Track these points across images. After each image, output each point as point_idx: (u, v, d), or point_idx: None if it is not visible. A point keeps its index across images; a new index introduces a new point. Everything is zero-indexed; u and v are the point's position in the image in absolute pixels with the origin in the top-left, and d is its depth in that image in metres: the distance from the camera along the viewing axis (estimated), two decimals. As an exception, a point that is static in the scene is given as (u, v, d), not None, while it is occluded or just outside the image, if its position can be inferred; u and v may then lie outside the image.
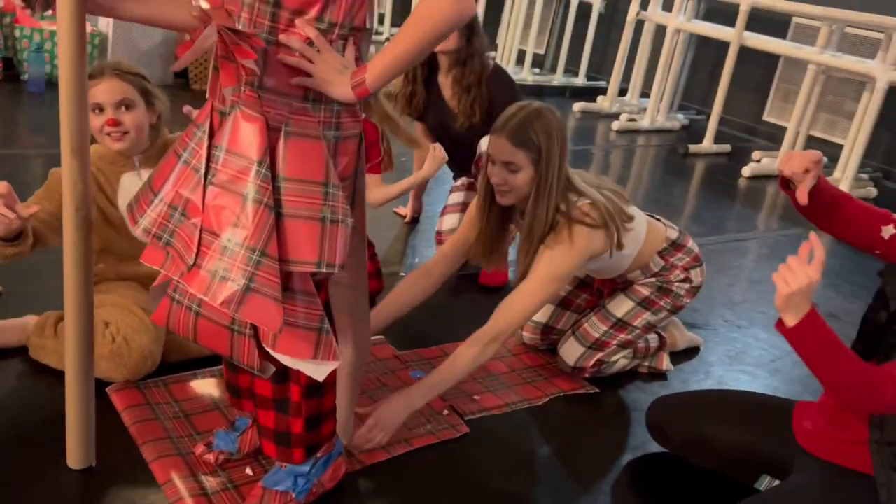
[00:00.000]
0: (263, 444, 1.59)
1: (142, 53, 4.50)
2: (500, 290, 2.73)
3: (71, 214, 1.48)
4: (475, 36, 2.80)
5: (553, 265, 1.98)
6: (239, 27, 1.30)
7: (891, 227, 1.64)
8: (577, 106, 6.10)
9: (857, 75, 4.95)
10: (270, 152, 1.31)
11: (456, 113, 2.88)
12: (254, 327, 1.35)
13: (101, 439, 1.67)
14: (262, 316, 1.30)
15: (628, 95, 6.35)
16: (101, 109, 1.88)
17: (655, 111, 5.96)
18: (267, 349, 1.37)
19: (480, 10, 6.80)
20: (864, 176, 5.12)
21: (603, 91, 6.47)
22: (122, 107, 1.89)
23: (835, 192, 1.68)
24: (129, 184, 1.97)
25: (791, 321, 1.46)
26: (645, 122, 5.91)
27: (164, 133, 2.04)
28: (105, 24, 4.50)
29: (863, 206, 1.69)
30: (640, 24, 6.07)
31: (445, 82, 2.91)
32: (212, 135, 1.36)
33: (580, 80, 6.95)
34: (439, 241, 2.91)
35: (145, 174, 1.96)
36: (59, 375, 1.63)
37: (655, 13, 5.93)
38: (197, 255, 1.33)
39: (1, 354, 1.97)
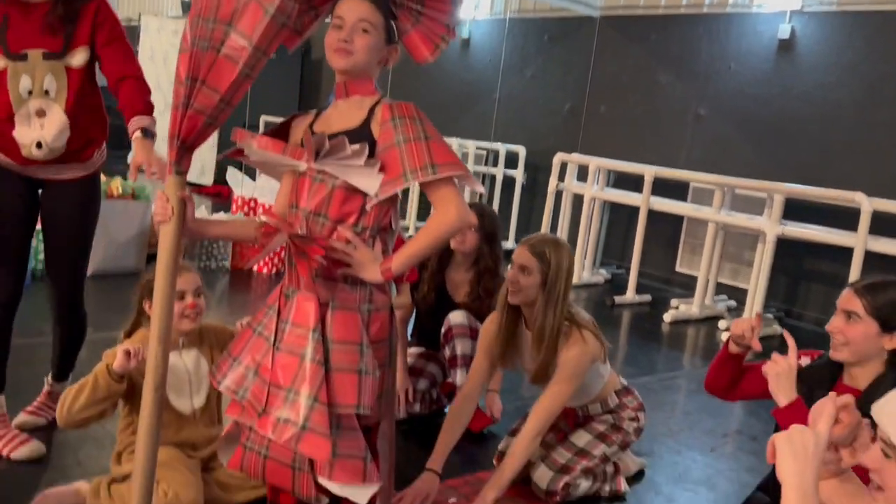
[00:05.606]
0: None
1: (119, 245, 4.93)
2: (484, 433, 3.11)
3: (150, 392, 1.83)
4: (494, 244, 3.12)
5: (573, 364, 2.47)
6: (302, 234, 1.78)
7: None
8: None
9: (749, 230, 5.74)
10: (321, 321, 1.76)
11: (457, 302, 3.18)
12: (311, 465, 1.74)
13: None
14: (315, 450, 1.70)
15: (555, 256, 7.02)
16: (183, 296, 2.25)
17: (581, 268, 6.64)
18: (322, 482, 1.75)
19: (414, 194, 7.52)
20: (769, 316, 5.80)
21: (532, 253, 7.14)
22: (199, 294, 2.30)
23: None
24: (171, 361, 2.34)
25: (783, 402, 1.88)
26: (573, 279, 6.55)
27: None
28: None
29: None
30: (559, 194, 6.87)
31: (455, 277, 3.21)
32: (279, 312, 1.81)
33: (510, 244, 7.65)
34: None
35: (185, 354, 2.35)
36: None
37: (572, 184, 6.73)
38: (266, 404, 1.75)
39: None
